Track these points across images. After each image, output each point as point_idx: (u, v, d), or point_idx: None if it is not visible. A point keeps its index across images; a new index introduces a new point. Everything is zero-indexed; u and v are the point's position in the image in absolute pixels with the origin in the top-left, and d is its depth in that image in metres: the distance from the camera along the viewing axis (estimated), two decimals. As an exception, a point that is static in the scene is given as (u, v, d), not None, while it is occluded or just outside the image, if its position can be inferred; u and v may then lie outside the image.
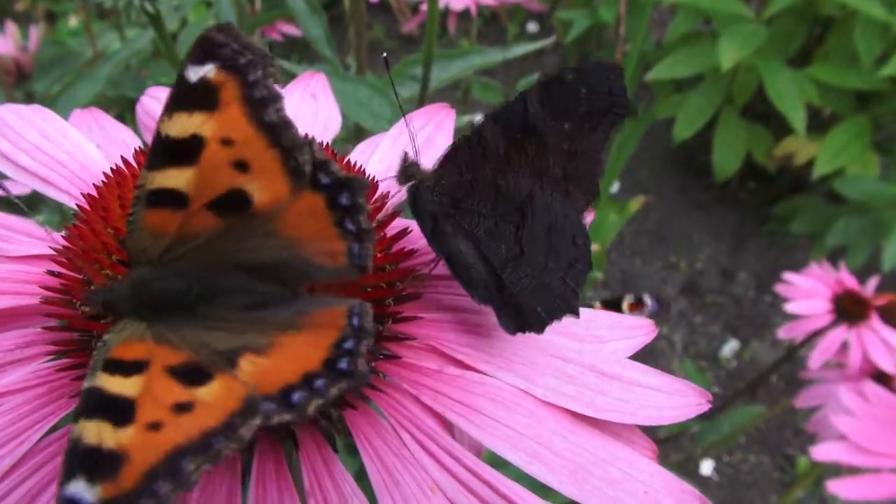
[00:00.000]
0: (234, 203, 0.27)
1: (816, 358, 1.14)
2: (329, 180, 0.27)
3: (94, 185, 0.31)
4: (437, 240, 0.33)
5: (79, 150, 0.35)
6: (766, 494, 1.81)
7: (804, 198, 2.05)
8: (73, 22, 2.18)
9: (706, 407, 0.34)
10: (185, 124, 0.26)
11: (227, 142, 0.26)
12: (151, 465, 0.20)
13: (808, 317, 1.19)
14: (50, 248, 0.30)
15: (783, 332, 1.22)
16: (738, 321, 2.17)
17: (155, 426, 0.22)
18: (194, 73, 0.25)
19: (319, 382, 0.24)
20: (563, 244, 0.33)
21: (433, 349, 0.31)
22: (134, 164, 0.31)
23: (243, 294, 0.27)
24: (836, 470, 1.30)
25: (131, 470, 0.20)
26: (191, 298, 0.27)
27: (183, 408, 0.22)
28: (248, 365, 0.25)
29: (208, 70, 0.25)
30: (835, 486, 0.92)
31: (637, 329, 0.38)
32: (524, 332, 0.32)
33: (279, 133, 0.26)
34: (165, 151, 0.26)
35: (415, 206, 0.33)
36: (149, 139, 0.43)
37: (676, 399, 0.34)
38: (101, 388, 0.23)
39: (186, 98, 0.26)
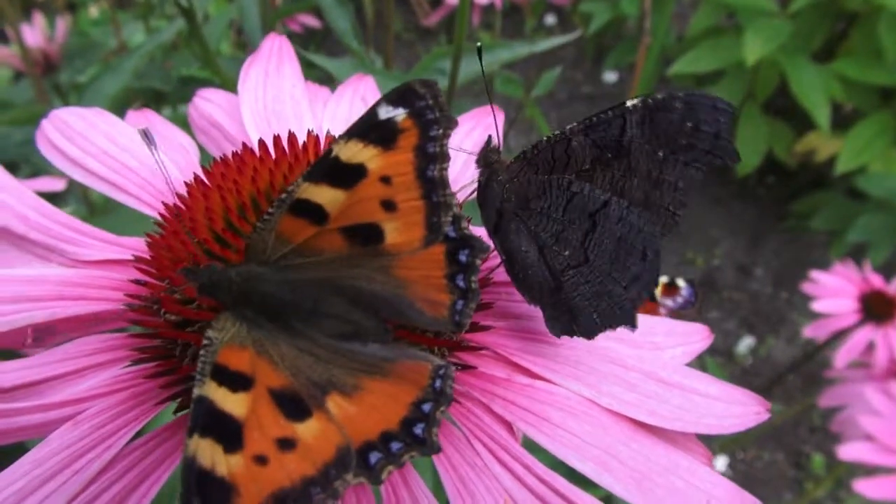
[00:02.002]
0: (367, 235, 0.29)
1: (842, 357, 1.14)
2: (456, 235, 0.29)
3: (178, 195, 0.31)
4: (499, 236, 0.33)
5: (147, 155, 0.36)
6: (781, 492, 1.81)
7: (824, 194, 2.04)
8: (93, 12, 2.18)
9: (766, 416, 0.35)
10: (356, 152, 0.28)
11: (386, 180, 0.28)
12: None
13: (834, 315, 1.18)
14: (133, 255, 0.31)
15: (809, 331, 1.22)
16: (754, 318, 2.16)
17: (261, 460, 0.22)
18: (385, 112, 0.27)
19: (396, 446, 0.25)
20: (632, 257, 0.33)
21: (501, 357, 0.32)
22: (216, 175, 0.31)
23: (339, 320, 0.28)
24: (851, 470, 1.30)
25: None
26: (290, 311, 0.28)
27: (286, 444, 0.23)
28: (335, 407, 0.26)
29: (399, 113, 0.27)
30: (862, 486, 0.92)
31: (692, 335, 0.39)
32: (571, 336, 0.33)
33: (435, 189, 0.28)
34: (328, 169, 0.28)
35: (483, 197, 0.34)
36: (203, 141, 0.43)
37: (736, 408, 0.34)
38: (211, 401, 0.23)
39: (368, 131, 0.28)
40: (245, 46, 1.80)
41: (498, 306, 0.34)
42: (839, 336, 1.20)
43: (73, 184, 1.04)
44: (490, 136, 0.35)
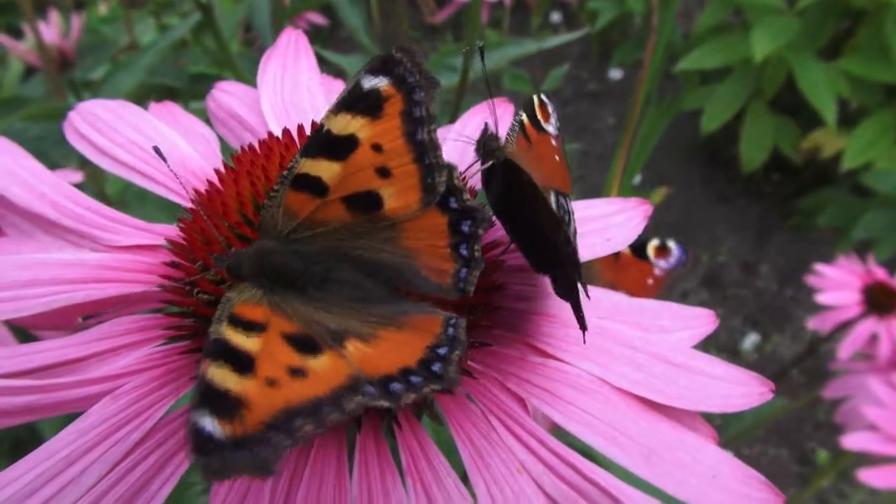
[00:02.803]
0: (367, 202, 0.30)
1: (846, 349, 1.15)
2: (457, 206, 0.30)
3: (208, 181, 0.33)
4: (505, 217, 0.34)
5: (172, 145, 0.37)
6: (785, 488, 1.81)
7: (829, 191, 2.05)
8: (102, 9, 2.20)
9: (769, 396, 0.36)
10: (346, 124, 0.29)
11: (377, 147, 0.29)
12: (268, 417, 0.22)
13: (837, 307, 1.19)
14: (166, 239, 0.32)
15: (812, 323, 1.23)
16: (759, 314, 2.17)
17: (272, 382, 0.24)
18: (368, 82, 0.28)
19: (415, 378, 0.26)
20: None
21: (515, 337, 0.33)
22: (245, 162, 0.33)
23: (351, 287, 0.30)
24: (855, 463, 1.31)
25: (250, 416, 0.22)
26: (303, 280, 0.29)
27: (297, 372, 0.25)
28: (353, 349, 0.27)
29: (381, 82, 0.28)
30: (866, 475, 0.93)
31: (697, 319, 0.40)
32: (574, 290, 0.34)
33: (426, 151, 0.29)
34: (322, 143, 0.29)
35: (487, 181, 0.35)
36: (222, 132, 0.45)
37: (741, 388, 0.36)
38: (225, 339, 0.25)
39: (354, 102, 0.29)
40: (251, 44, 1.82)
41: (510, 289, 0.35)
42: (842, 329, 1.21)
43: (88, 177, 1.06)
44: (486, 124, 0.36)
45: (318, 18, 1.68)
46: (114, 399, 0.28)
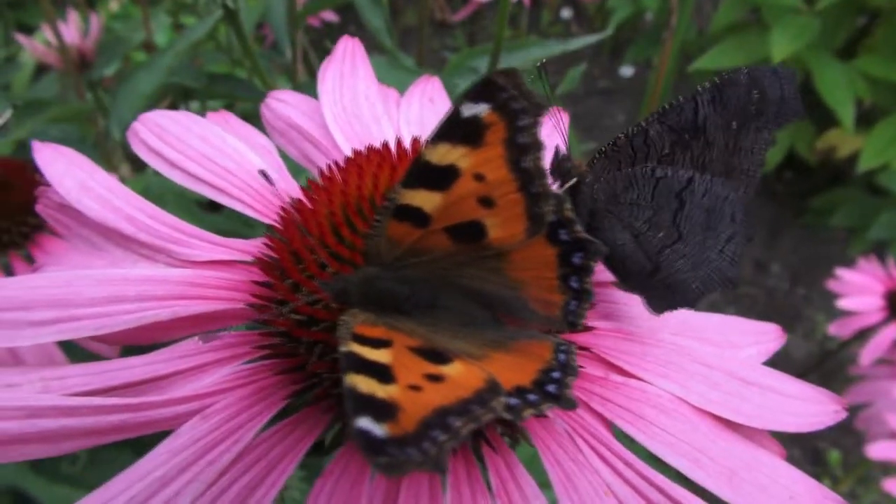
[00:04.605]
0: (470, 232, 0.29)
1: (867, 354, 1.15)
2: (568, 238, 0.30)
3: (296, 198, 0.33)
4: (593, 234, 0.34)
5: (241, 157, 0.37)
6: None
7: (843, 190, 2.04)
8: (113, 6, 2.19)
9: (843, 414, 0.36)
10: (445, 154, 0.28)
11: (479, 177, 0.28)
12: (424, 416, 0.22)
13: (859, 313, 1.19)
14: (256, 257, 0.32)
15: (833, 329, 1.23)
16: (770, 314, 2.17)
17: (415, 388, 0.24)
18: (468, 110, 0.27)
19: (532, 397, 0.26)
20: (723, 223, 0.34)
21: (596, 356, 0.33)
22: (336, 180, 0.32)
23: (457, 312, 0.30)
24: (866, 465, 1.31)
25: (407, 417, 0.22)
26: (410, 305, 0.29)
27: (435, 378, 0.25)
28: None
29: (482, 109, 0.27)
30: (892, 486, 0.93)
31: (765, 334, 0.40)
32: (673, 309, 0.35)
33: (532, 180, 0.28)
34: (421, 174, 0.28)
35: (573, 202, 0.35)
36: (280, 142, 0.45)
37: (813, 406, 0.35)
38: (357, 353, 0.25)
39: (453, 131, 0.28)
40: (263, 41, 1.81)
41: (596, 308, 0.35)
42: (862, 334, 1.21)
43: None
44: (557, 147, 0.36)
45: (332, 17, 1.68)
46: (204, 418, 0.28)
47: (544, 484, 0.29)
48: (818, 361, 1.44)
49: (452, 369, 0.25)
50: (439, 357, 0.26)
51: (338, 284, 0.28)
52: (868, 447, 0.98)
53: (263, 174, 0.31)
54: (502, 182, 0.28)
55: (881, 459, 0.98)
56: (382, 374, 0.24)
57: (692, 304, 0.35)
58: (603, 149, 0.36)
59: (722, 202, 0.34)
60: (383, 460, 0.20)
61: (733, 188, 0.35)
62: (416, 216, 0.29)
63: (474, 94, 0.27)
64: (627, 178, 0.35)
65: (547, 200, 0.29)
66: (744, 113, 0.34)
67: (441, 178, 0.28)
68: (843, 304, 1.20)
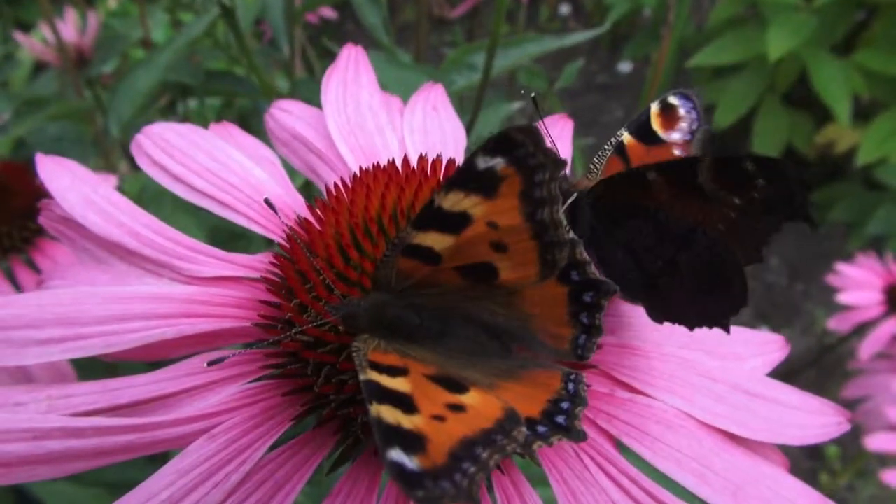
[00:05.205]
0: (481, 272, 0.30)
1: (866, 349, 1.16)
2: (580, 278, 0.30)
3: (303, 218, 0.33)
4: (594, 248, 0.35)
5: (246, 171, 0.37)
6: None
7: (841, 185, 2.04)
8: (111, 3, 2.17)
9: (847, 427, 0.36)
10: (458, 202, 0.28)
11: (493, 225, 0.28)
12: (451, 448, 0.22)
13: (858, 308, 1.19)
14: (262, 276, 0.32)
15: (832, 323, 1.23)
16: (769, 308, 2.17)
17: (439, 418, 0.24)
18: (483, 162, 0.27)
19: (542, 428, 0.26)
20: (719, 281, 0.34)
21: (602, 372, 0.33)
22: (344, 200, 0.32)
23: (467, 341, 0.30)
24: (864, 458, 1.32)
25: (435, 448, 0.22)
26: (420, 333, 0.29)
27: (457, 408, 0.25)
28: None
29: (497, 162, 0.27)
30: (890, 477, 0.94)
31: (769, 345, 0.40)
32: (672, 321, 0.34)
33: (546, 231, 0.28)
34: (433, 218, 0.28)
35: (573, 217, 0.35)
36: (283, 152, 0.44)
37: (817, 418, 0.36)
38: (377, 382, 0.25)
39: (468, 181, 0.27)
40: (261, 37, 1.81)
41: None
42: (861, 329, 1.22)
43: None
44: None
45: (330, 14, 1.68)
46: (211, 438, 0.28)
47: (550, 501, 0.30)
48: (817, 356, 1.45)
49: (471, 399, 0.26)
50: (457, 386, 0.26)
51: (347, 308, 0.28)
52: (867, 439, 0.99)
53: (268, 203, 0.31)
54: (516, 230, 0.28)
55: (880, 451, 0.98)
56: (405, 403, 0.24)
57: (690, 327, 0.35)
58: (605, 178, 0.36)
59: (721, 262, 0.34)
60: (421, 494, 0.20)
61: (734, 252, 0.34)
62: (427, 255, 0.29)
63: (490, 147, 0.27)
64: (629, 207, 0.35)
65: (561, 249, 0.29)
66: (749, 194, 0.32)
67: (453, 222, 0.28)
68: (842, 298, 1.20)
